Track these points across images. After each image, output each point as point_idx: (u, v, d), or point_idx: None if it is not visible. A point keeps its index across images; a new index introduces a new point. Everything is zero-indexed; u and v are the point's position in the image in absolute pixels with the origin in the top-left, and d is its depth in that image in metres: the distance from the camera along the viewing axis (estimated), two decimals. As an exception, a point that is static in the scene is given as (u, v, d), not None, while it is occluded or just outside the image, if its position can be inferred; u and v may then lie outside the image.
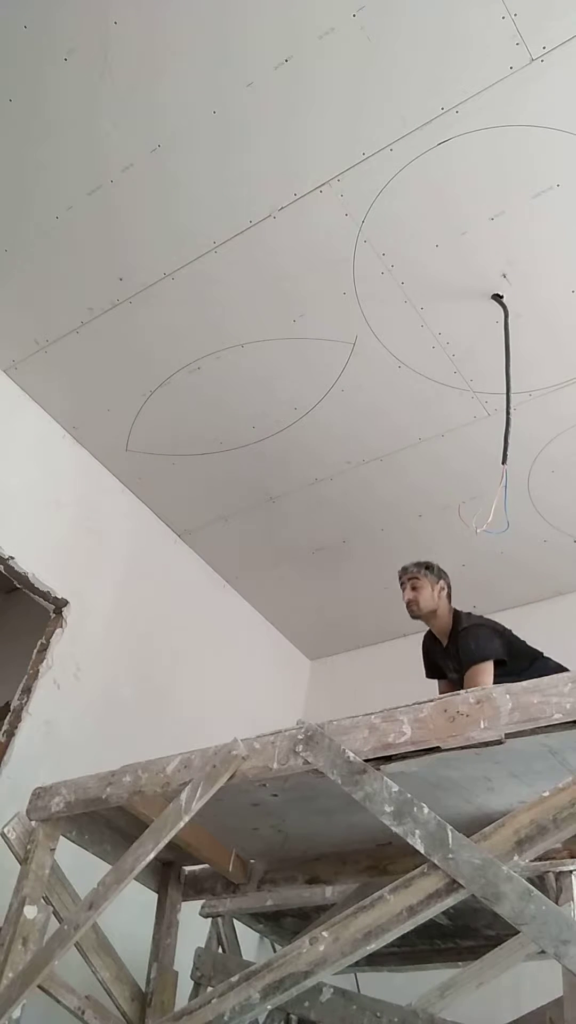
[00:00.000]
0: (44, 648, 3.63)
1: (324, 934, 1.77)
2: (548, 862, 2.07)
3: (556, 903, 1.94)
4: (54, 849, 2.36)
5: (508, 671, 2.93)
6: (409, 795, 1.80)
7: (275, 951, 2.67)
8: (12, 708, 3.45)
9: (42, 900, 2.27)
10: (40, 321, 3.62)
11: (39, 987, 2.10)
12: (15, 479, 3.73)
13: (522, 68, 2.65)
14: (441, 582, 3.25)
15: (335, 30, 2.64)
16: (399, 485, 4.08)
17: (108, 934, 2.42)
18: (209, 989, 2.31)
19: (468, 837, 1.69)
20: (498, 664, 2.96)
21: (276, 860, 2.60)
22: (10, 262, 3.40)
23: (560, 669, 2.79)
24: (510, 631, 3.15)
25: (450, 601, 3.27)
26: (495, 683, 2.82)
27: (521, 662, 3.01)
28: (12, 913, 2.22)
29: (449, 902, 1.68)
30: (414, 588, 3.23)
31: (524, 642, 3.13)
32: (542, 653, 3.10)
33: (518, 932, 1.79)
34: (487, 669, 2.93)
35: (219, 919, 2.75)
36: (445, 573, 3.29)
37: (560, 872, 2.07)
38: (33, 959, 2.12)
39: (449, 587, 3.28)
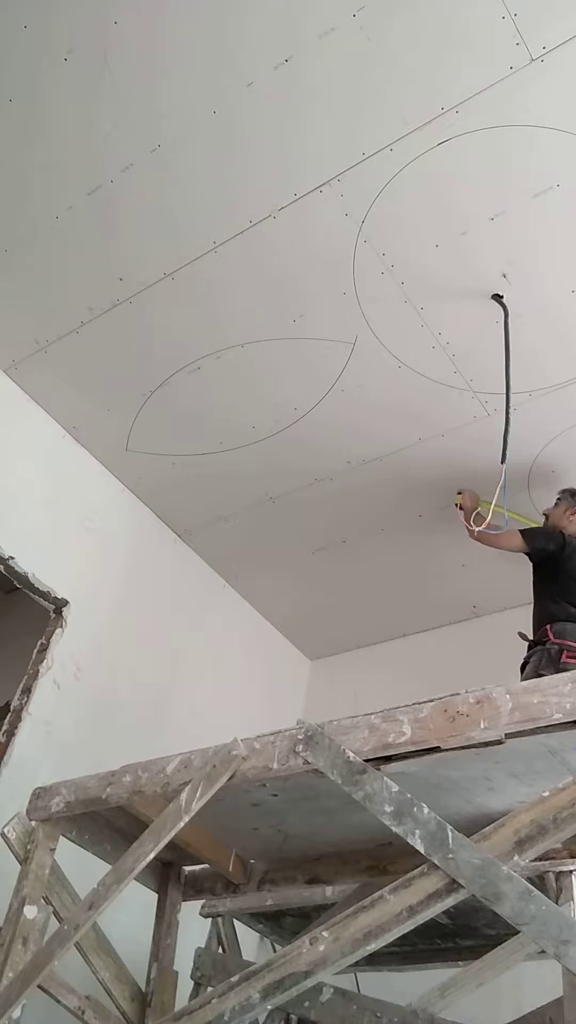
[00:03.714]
0: (44, 648, 3.62)
1: (324, 934, 1.77)
2: (548, 862, 2.07)
3: (556, 903, 1.95)
4: (54, 849, 2.36)
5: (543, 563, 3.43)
6: (409, 795, 1.80)
7: (275, 951, 2.67)
8: (12, 708, 3.44)
9: (42, 900, 2.27)
10: (40, 321, 3.62)
11: (39, 987, 2.10)
12: (15, 479, 3.73)
13: (522, 68, 2.65)
14: (563, 505, 3.66)
15: (335, 30, 2.64)
16: (399, 485, 4.08)
17: (108, 934, 2.42)
18: (209, 989, 2.31)
19: (468, 837, 1.69)
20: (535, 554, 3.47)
21: (276, 860, 2.60)
22: (10, 262, 3.40)
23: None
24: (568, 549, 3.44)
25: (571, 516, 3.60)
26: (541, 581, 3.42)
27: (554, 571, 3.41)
28: (12, 913, 2.22)
29: (449, 902, 1.68)
30: None
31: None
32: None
33: (518, 932, 1.79)
34: (514, 532, 3.49)
35: (219, 919, 2.76)
36: (564, 497, 3.67)
37: (560, 872, 2.08)
38: (33, 959, 2.12)
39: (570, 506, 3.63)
